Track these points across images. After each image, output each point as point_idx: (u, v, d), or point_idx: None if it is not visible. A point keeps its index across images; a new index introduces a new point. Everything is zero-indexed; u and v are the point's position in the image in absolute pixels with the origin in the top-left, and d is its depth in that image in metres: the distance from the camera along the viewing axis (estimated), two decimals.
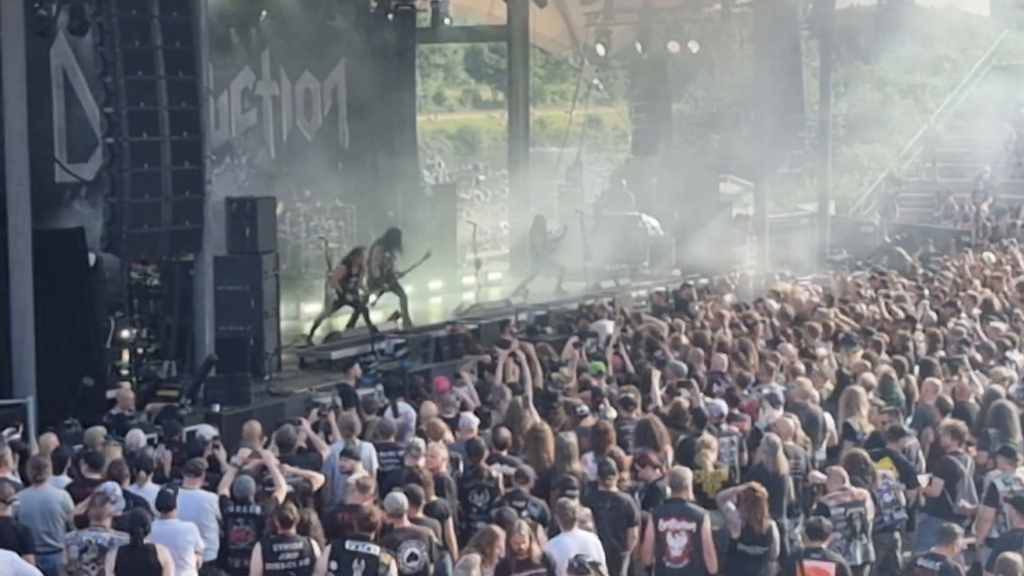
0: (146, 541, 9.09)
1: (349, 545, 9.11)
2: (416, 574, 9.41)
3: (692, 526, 9.91)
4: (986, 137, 32.01)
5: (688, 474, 10.26)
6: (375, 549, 9.07)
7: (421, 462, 10.78)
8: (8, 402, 13.22)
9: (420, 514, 9.84)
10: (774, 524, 10.17)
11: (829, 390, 13.59)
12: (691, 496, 10.18)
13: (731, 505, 10.19)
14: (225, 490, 10.37)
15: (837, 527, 10.24)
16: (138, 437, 11.63)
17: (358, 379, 14.49)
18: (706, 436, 11.38)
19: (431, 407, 12.45)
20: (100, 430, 11.81)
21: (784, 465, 11.04)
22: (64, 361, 14.31)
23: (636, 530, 10.29)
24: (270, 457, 10.65)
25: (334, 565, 9.04)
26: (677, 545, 9.91)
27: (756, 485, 10.16)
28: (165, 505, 9.68)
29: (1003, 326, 16.32)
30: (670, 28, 26.94)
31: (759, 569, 10.02)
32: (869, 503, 10.47)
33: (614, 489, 10.39)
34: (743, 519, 10.01)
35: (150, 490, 10.29)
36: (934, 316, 16.87)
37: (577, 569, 8.67)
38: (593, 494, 10.41)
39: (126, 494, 10.05)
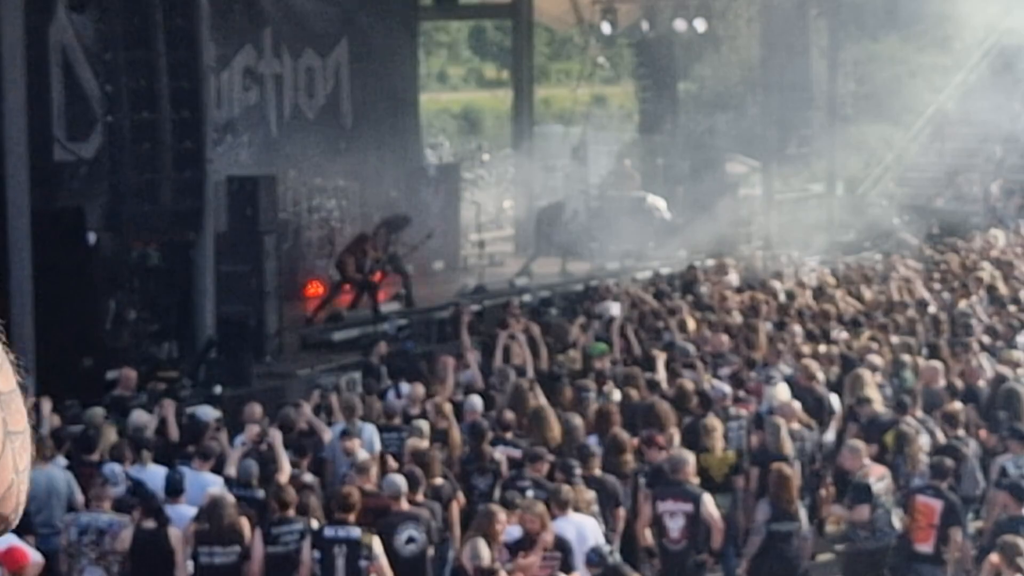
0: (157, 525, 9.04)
1: (328, 532, 8.99)
2: (414, 557, 9.30)
3: (689, 507, 9.84)
4: (996, 117, 31.78)
5: (689, 457, 10.16)
6: (355, 532, 8.95)
7: (424, 444, 10.69)
8: None
9: (420, 497, 9.73)
10: (800, 503, 10.10)
11: (837, 372, 13.47)
12: (692, 478, 10.07)
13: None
14: (231, 470, 10.26)
15: (881, 501, 10.10)
16: (140, 417, 11.51)
17: (382, 357, 14.35)
18: (711, 419, 11.27)
19: (419, 389, 12.32)
20: (99, 411, 11.70)
21: (788, 446, 10.95)
22: (63, 341, 14.19)
23: (623, 511, 10.24)
24: (277, 437, 10.53)
25: (317, 554, 8.93)
26: (675, 527, 9.86)
27: (783, 466, 10.09)
28: (174, 490, 9.59)
29: (1012, 308, 16.17)
30: (677, 6, 26.74)
31: (789, 545, 9.94)
32: (888, 475, 10.41)
33: (597, 472, 10.30)
34: (771, 500, 9.93)
35: (151, 471, 10.19)
36: (946, 298, 16.73)
37: (596, 562, 8.62)
38: (592, 478, 10.28)
39: (127, 475, 9.97)
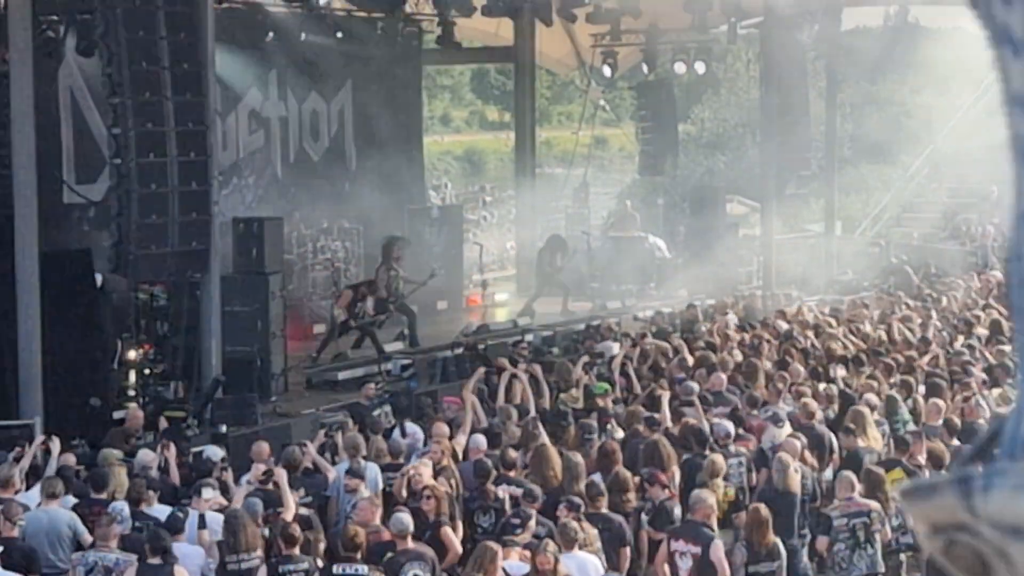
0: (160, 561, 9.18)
1: (336, 569, 9.13)
2: None
3: (698, 550, 9.90)
4: (992, 157, 31.93)
5: (707, 498, 10.20)
6: (363, 569, 9.08)
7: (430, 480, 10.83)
8: (15, 423, 13.24)
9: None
10: (779, 540, 10.19)
11: (835, 411, 13.58)
12: (708, 520, 10.12)
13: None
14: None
15: (840, 538, 10.41)
16: (146, 457, 11.64)
17: (370, 399, 14.48)
18: (715, 457, 11.38)
19: (443, 427, 12.42)
20: (116, 452, 11.81)
21: (796, 483, 11.05)
22: (71, 382, 14.33)
23: (628, 550, 10.33)
24: (283, 476, 10.66)
25: None
26: (684, 567, 9.95)
27: (760, 506, 10.22)
28: (175, 528, 9.71)
29: (1010, 347, 16.27)
30: (676, 49, 27.00)
31: None
32: (876, 514, 10.54)
33: (604, 511, 10.40)
34: (746, 541, 10.04)
35: (157, 510, 10.30)
36: (945, 336, 16.85)
37: None
38: (595, 517, 10.39)
39: (134, 514, 10.08)
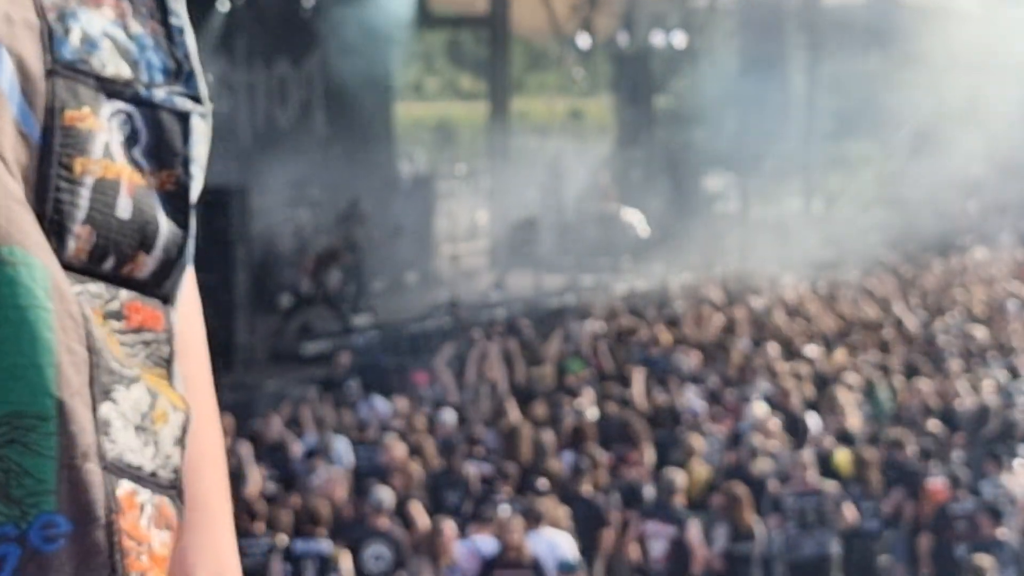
0: None
1: (299, 546, 8.98)
2: (381, 574, 9.17)
3: (672, 530, 9.67)
4: (975, 136, 31.78)
5: (677, 477, 10.01)
6: (325, 547, 8.97)
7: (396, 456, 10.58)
8: None
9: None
10: (757, 519, 9.99)
11: (813, 391, 13.34)
12: (680, 499, 9.91)
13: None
14: None
15: (790, 516, 10.16)
16: None
17: (345, 369, 14.16)
18: (691, 437, 11.14)
19: (412, 402, 12.17)
20: None
21: (764, 466, 10.83)
22: None
23: (611, 531, 10.07)
24: (246, 450, 10.36)
25: (289, 567, 8.89)
26: (658, 549, 9.72)
27: (733, 485, 10.02)
28: None
29: (987, 328, 16.07)
30: (655, 20, 26.66)
31: (749, 566, 9.84)
32: (831, 496, 10.27)
33: (583, 490, 10.14)
34: (727, 521, 9.83)
35: None
36: (921, 317, 16.64)
37: (568, 570, 8.53)
38: (566, 495, 10.14)
39: None
